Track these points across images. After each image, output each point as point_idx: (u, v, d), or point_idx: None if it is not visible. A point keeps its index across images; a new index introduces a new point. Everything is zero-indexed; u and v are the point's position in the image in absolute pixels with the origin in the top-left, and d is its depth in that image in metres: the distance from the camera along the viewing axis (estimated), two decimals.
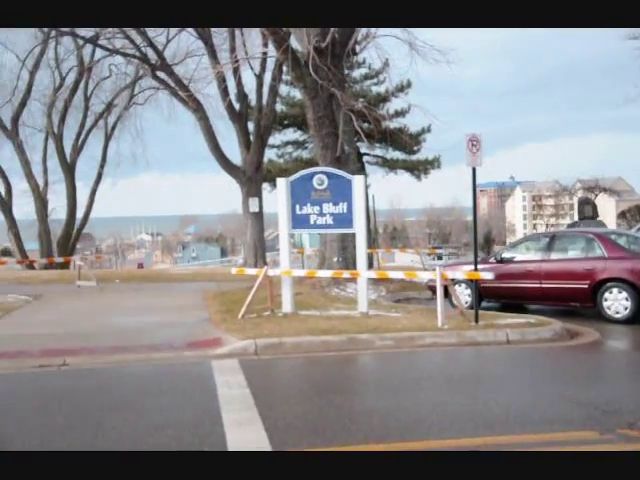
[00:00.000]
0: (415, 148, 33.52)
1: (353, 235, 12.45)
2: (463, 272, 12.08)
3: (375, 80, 33.61)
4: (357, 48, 24.53)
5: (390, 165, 34.79)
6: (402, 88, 30.95)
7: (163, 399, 6.87)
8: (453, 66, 16.22)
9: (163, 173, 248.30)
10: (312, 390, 7.42)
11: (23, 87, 32.62)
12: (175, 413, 6.32)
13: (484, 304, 13.10)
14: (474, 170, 11.07)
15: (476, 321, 10.63)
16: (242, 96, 25.07)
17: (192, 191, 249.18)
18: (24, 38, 31.60)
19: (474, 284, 11.62)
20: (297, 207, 12.04)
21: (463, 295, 13.37)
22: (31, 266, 30.24)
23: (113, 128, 35.78)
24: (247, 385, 7.32)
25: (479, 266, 11.79)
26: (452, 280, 11.77)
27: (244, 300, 11.80)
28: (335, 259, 16.20)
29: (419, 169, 34.75)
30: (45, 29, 27.83)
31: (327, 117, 16.55)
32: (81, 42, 30.06)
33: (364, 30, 17.18)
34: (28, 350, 9.28)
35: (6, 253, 48.60)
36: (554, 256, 13.06)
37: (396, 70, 22.49)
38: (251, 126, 25.35)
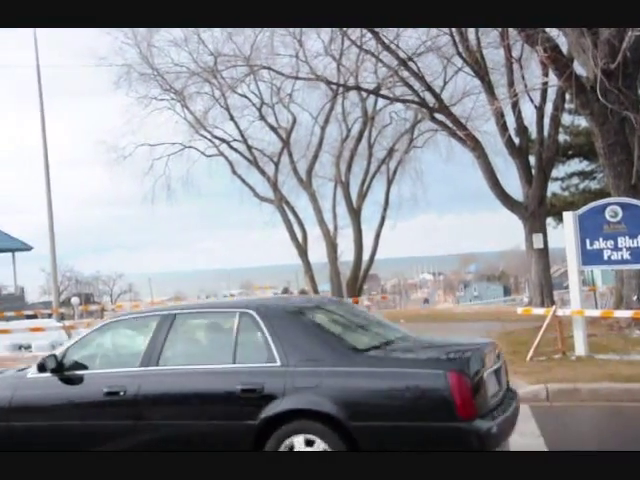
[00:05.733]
0: None
1: None
2: None
3: None
4: None
5: None
6: None
7: None
8: None
9: (440, 213, 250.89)
10: (614, 443, 6.70)
11: (315, 141, 35.75)
12: None
13: None
14: None
15: None
16: (522, 130, 24.37)
17: (469, 229, 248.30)
18: (316, 98, 34.83)
19: None
20: (587, 242, 11.26)
21: None
22: None
23: (394, 172, 37.18)
24: (540, 434, 6.88)
25: None
26: None
27: (531, 341, 11.24)
28: (634, 297, 14.67)
29: None
30: (334, 86, 30.34)
31: (619, 143, 15.25)
32: (364, 94, 32.12)
33: None
34: None
35: (303, 293, 53.02)
36: None
37: None
38: (532, 160, 24.48)
